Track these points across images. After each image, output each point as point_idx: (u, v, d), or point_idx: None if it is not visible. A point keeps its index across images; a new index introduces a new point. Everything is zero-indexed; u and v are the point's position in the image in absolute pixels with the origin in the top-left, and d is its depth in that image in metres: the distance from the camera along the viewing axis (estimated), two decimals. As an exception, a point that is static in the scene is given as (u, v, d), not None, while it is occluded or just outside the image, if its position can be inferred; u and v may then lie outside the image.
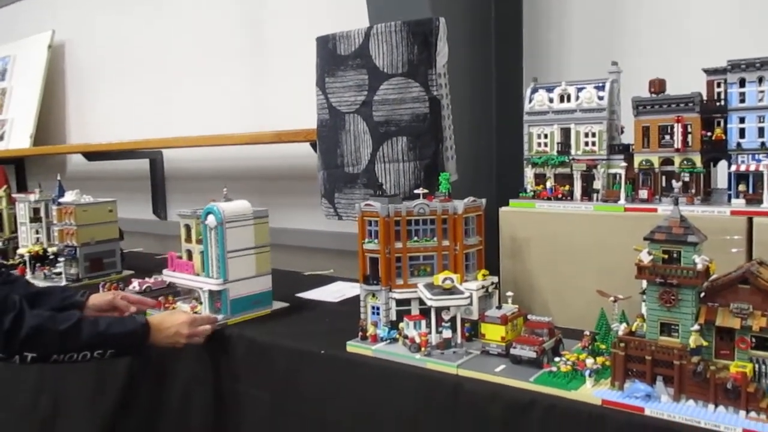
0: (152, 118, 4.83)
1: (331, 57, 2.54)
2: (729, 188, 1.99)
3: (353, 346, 2.03)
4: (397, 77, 2.39)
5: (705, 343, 1.55)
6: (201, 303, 2.40)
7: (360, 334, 2.07)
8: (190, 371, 2.35)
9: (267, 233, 2.46)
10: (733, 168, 1.97)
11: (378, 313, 2.10)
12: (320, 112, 2.61)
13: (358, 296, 2.17)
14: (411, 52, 2.37)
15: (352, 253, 2.77)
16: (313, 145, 3.18)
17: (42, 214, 3.51)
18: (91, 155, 4.68)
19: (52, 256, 3.30)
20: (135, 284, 2.90)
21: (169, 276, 2.54)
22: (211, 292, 2.35)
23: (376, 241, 2.07)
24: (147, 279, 2.98)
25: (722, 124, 2.01)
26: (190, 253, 2.48)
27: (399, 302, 2.09)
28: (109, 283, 3.04)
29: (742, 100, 1.95)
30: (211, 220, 2.32)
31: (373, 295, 2.11)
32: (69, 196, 3.33)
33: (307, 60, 2.90)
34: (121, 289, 2.88)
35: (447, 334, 1.94)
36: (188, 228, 2.49)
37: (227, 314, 2.33)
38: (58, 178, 3.52)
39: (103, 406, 2.58)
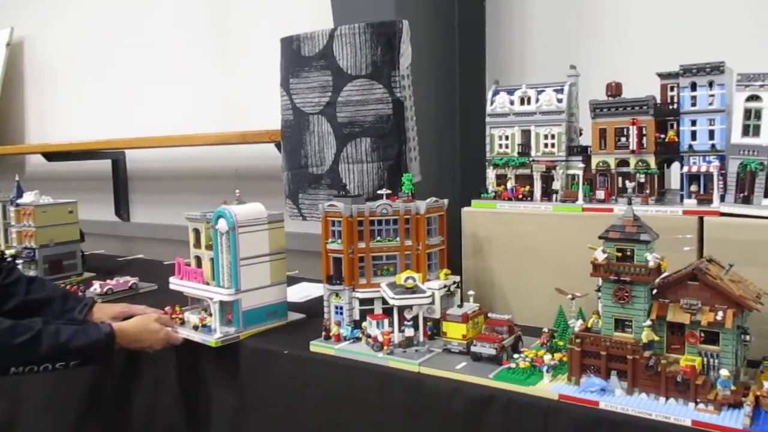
0: (114, 117, 4.75)
1: (296, 58, 2.54)
2: (681, 189, 2.05)
3: (317, 346, 2.04)
4: (361, 79, 2.40)
5: (657, 338, 1.60)
6: (210, 314, 2.23)
7: (323, 333, 2.08)
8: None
9: (282, 238, 2.30)
10: (686, 169, 2.03)
11: (341, 313, 2.11)
12: (284, 113, 2.61)
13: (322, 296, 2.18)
14: (375, 53, 2.39)
15: (317, 253, 2.79)
16: (278, 146, 3.18)
17: (-1, 215, 3.44)
18: (51, 155, 4.59)
19: (9, 258, 3.23)
20: (96, 286, 2.86)
21: (176, 284, 2.35)
22: (221, 303, 2.19)
23: (339, 241, 2.08)
24: (108, 281, 2.94)
25: (675, 126, 2.08)
26: (199, 260, 2.31)
27: (362, 301, 2.11)
28: (69, 285, 3.00)
29: (694, 104, 2.02)
30: (222, 224, 2.15)
31: (337, 295, 2.12)
32: (28, 197, 3.27)
33: (273, 60, 2.89)
34: (82, 292, 2.84)
35: (409, 332, 1.97)
36: (197, 232, 2.31)
37: (239, 327, 2.17)
38: (17, 178, 3.44)
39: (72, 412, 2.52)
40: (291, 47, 2.56)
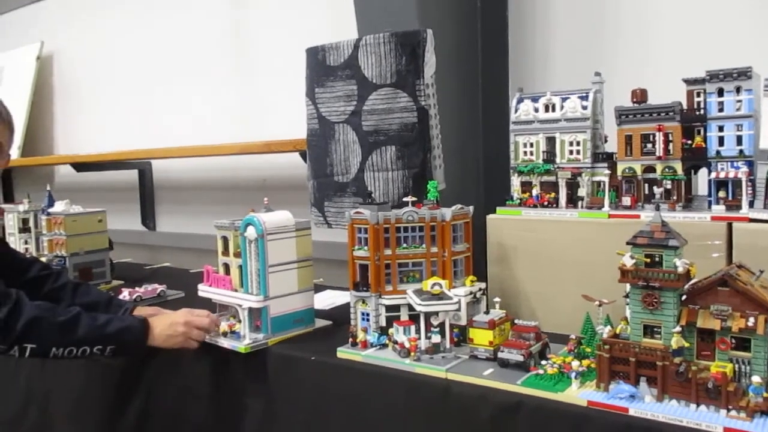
0: (141, 128, 4.85)
1: (321, 68, 2.58)
2: (709, 195, 2.04)
3: (344, 352, 2.06)
4: (386, 87, 2.43)
5: (687, 344, 1.59)
6: (239, 321, 2.26)
7: (350, 340, 2.10)
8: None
9: (310, 246, 2.32)
10: (713, 175, 2.02)
11: (368, 320, 2.13)
12: (310, 122, 2.65)
13: (347, 304, 2.19)
14: (399, 63, 2.42)
15: (341, 262, 2.81)
16: (302, 155, 3.22)
17: (31, 224, 3.52)
18: (80, 166, 4.68)
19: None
20: (125, 293, 2.91)
21: (205, 291, 2.38)
22: (250, 310, 2.22)
23: (365, 248, 2.10)
24: (137, 288, 2.99)
25: (702, 132, 2.07)
26: (227, 267, 2.35)
27: (388, 308, 2.12)
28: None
29: (721, 110, 2.01)
30: (251, 231, 2.19)
31: (363, 302, 2.13)
32: (59, 206, 3.34)
33: (295, 70, 2.93)
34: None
35: (436, 339, 1.98)
36: (225, 240, 2.35)
37: (267, 333, 2.20)
38: (48, 188, 3.52)
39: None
40: (316, 57, 2.60)
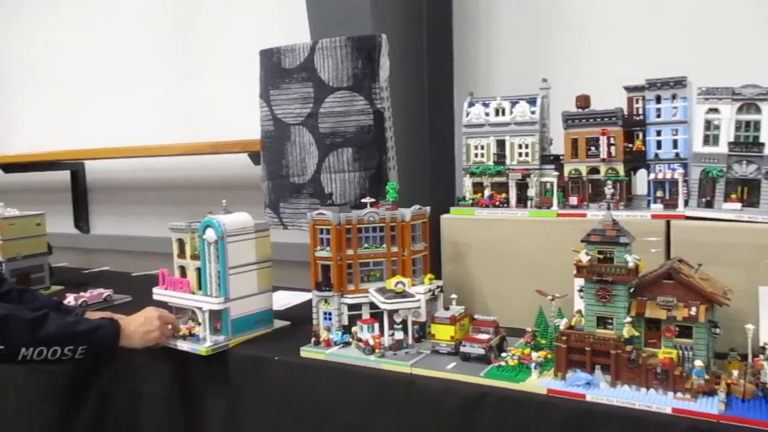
0: (73, 127, 4.68)
1: (276, 70, 2.59)
2: (648, 194, 2.20)
3: (307, 351, 2.09)
4: (343, 90, 2.48)
5: (636, 334, 1.72)
6: (199, 323, 2.25)
7: (313, 339, 2.13)
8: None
9: (268, 247, 2.34)
10: (652, 176, 2.18)
11: (330, 319, 2.17)
12: (264, 124, 2.66)
13: (302, 304, 2.22)
14: (356, 66, 2.47)
15: (292, 262, 2.84)
16: (251, 156, 3.22)
17: (-39, 228, 3.34)
18: (8, 166, 4.47)
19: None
20: (70, 299, 2.83)
21: (161, 294, 2.35)
22: (211, 312, 2.21)
23: (328, 248, 2.14)
24: (82, 293, 2.91)
25: (641, 136, 2.23)
26: (183, 270, 2.34)
27: (350, 307, 2.17)
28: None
29: (659, 115, 2.17)
30: (210, 234, 2.19)
31: (326, 301, 2.17)
32: (-7, 209, 3.19)
33: (244, 71, 2.93)
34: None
35: (399, 335, 2.04)
36: (181, 242, 2.33)
37: (228, 335, 2.20)
38: (-20, 191, 3.36)
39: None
40: (271, 59, 2.61)
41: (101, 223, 4.80)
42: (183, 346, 2.21)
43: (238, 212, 2.32)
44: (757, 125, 1.99)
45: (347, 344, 2.10)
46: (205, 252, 2.22)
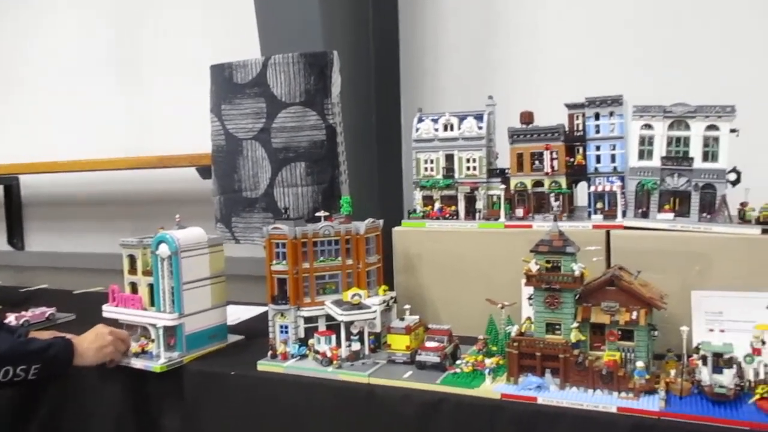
0: (7, 141, 4.51)
1: (228, 85, 2.60)
2: (589, 206, 2.32)
3: (264, 365, 2.10)
4: (295, 106, 2.51)
5: (583, 338, 1.82)
6: (152, 340, 2.21)
7: (270, 352, 2.15)
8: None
9: (222, 262, 2.34)
10: (592, 189, 2.30)
11: (286, 332, 2.19)
12: (216, 138, 2.66)
13: (254, 318, 2.22)
14: (308, 82, 2.51)
15: (241, 277, 2.84)
16: (200, 170, 3.21)
17: None
18: (-64, 181, 4.27)
19: None
20: (11, 318, 2.73)
21: (111, 312, 2.29)
22: (165, 328, 2.18)
23: (284, 262, 2.16)
24: (24, 312, 2.82)
25: (582, 151, 2.35)
26: (134, 286, 2.31)
27: (306, 320, 2.19)
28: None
29: (597, 131, 2.30)
30: (163, 249, 2.16)
31: (282, 314, 2.19)
32: (-76, 227, 3.05)
33: (190, 84, 2.92)
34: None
35: (356, 346, 2.08)
36: (132, 258, 2.31)
37: (182, 351, 2.18)
38: None
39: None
40: (222, 74, 2.62)
41: (37, 240, 4.64)
42: (136, 363, 2.19)
43: (192, 227, 2.31)
44: (686, 141, 2.14)
45: (304, 356, 2.12)
46: (158, 267, 2.20)
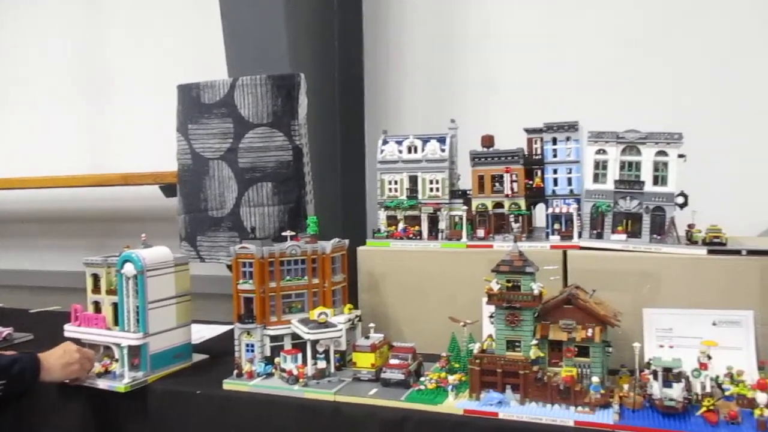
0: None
1: (195, 105, 2.62)
2: (547, 227, 2.41)
3: (230, 384, 2.12)
4: (263, 127, 2.55)
5: (542, 354, 1.89)
6: (116, 360, 2.20)
7: (236, 371, 2.16)
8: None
9: (187, 281, 2.34)
10: (550, 210, 2.40)
11: (253, 350, 2.20)
12: (182, 158, 2.67)
13: (218, 337, 2.23)
14: (276, 103, 2.55)
15: (204, 295, 2.84)
16: (164, 188, 3.21)
17: None
18: None
19: None
20: (-30, 338, 2.68)
21: (73, 332, 2.27)
22: (129, 348, 2.16)
23: (251, 281, 2.19)
24: (-18, 332, 2.76)
25: (540, 174, 2.45)
26: (97, 305, 2.30)
27: (272, 338, 2.22)
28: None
29: (555, 155, 2.41)
30: (129, 268, 2.16)
31: (248, 333, 2.21)
32: None
33: (155, 103, 2.92)
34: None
35: (322, 364, 2.11)
36: (96, 277, 2.30)
37: (147, 371, 2.18)
38: None
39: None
40: (190, 94, 2.64)
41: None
42: (100, 383, 2.17)
43: (158, 246, 2.32)
44: (638, 165, 2.26)
45: (270, 375, 2.15)
46: (123, 287, 2.20)
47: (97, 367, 2.23)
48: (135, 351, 2.21)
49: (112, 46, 3.98)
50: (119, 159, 3.74)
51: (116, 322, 2.26)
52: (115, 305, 2.26)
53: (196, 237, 2.67)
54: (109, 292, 2.29)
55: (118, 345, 2.20)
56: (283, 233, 2.33)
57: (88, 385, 2.18)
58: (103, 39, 4.00)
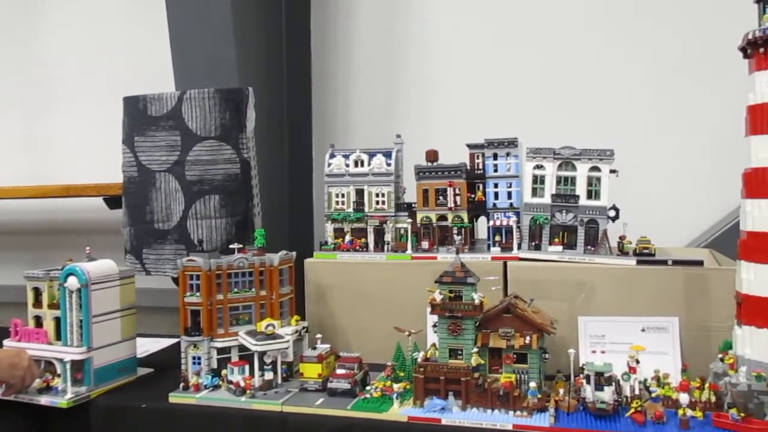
0: None
1: (142, 117, 2.62)
2: (488, 239, 2.50)
3: (176, 397, 2.11)
4: (210, 140, 2.56)
5: (482, 362, 1.97)
6: (58, 375, 2.16)
7: (182, 384, 2.16)
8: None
9: (133, 294, 2.33)
10: (491, 223, 2.49)
11: (199, 363, 2.21)
12: (128, 170, 2.65)
13: (163, 350, 2.22)
14: (224, 117, 2.57)
15: (148, 308, 2.82)
16: (107, 200, 3.17)
17: None
18: None
19: None
20: None
21: (14, 347, 2.21)
22: (72, 363, 2.12)
23: (198, 294, 2.20)
24: None
25: (482, 188, 2.54)
26: (39, 320, 2.25)
27: (219, 350, 2.23)
28: None
29: (496, 170, 2.51)
30: (72, 282, 2.13)
31: (195, 346, 2.22)
32: None
33: (97, 114, 2.90)
34: None
35: (269, 375, 2.14)
36: (37, 291, 2.26)
37: (90, 385, 2.14)
38: None
39: None
40: (136, 106, 2.63)
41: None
42: (41, 399, 2.13)
43: (102, 259, 2.30)
44: (573, 180, 2.37)
45: (217, 387, 2.15)
46: (66, 300, 2.18)
47: (38, 383, 2.18)
48: (78, 365, 2.18)
49: (54, 54, 3.90)
50: (61, 170, 3.66)
51: (58, 337, 2.22)
52: (57, 319, 2.23)
53: (142, 250, 2.65)
54: (52, 306, 2.25)
55: (60, 360, 2.17)
56: (231, 246, 2.34)
57: (29, 401, 2.14)
58: (44, 46, 3.92)
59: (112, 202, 3.16)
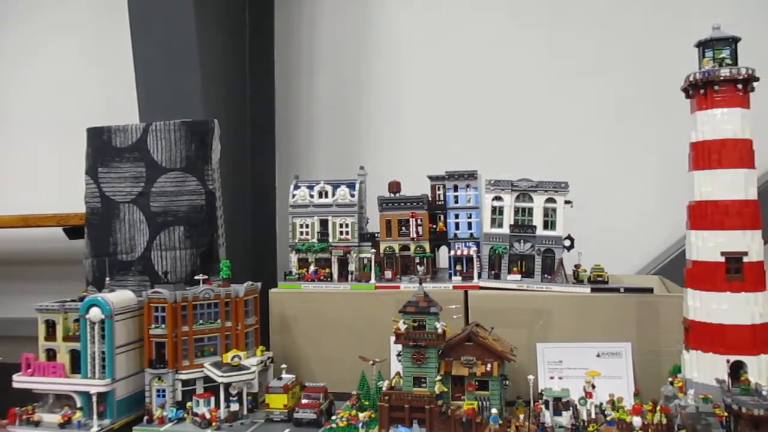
0: None
1: (106, 148, 2.62)
2: (450, 268, 2.57)
3: (141, 430, 2.10)
4: (176, 171, 2.58)
5: (445, 389, 2.02)
6: (80, 409, 2.12)
7: (146, 417, 2.15)
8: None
9: (143, 325, 2.27)
10: (452, 252, 2.57)
11: (163, 396, 2.20)
12: (91, 201, 2.64)
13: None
14: (189, 149, 2.59)
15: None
16: (67, 231, 3.14)
17: None
18: None
19: None
20: None
21: (25, 382, 2.16)
22: (98, 395, 2.09)
23: (163, 326, 2.20)
24: None
25: (443, 218, 2.62)
26: (51, 353, 2.21)
27: (184, 383, 2.23)
28: None
29: (456, 201, 2.59)
30: (95, 313, 2.11)
31: (159, 378, 2.21)
32: None
33: (57, 143, 2.86)
34: None
35: (235, 407, 2.15)
36: (50, 324, 2.23)
37: (113, 418, 2.10)
38: None
39: None
40: (101, 138, 2.63)
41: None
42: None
43: (121, 290, 2.33)
44: (530, 211, 2.47)
45: (182, 420, 2.15)
46: (86, 332, 2.15)
47: (57, 418, 2.14)
48: (101, 398, 2.15)
49: (14, 83, 3.87)
50: (17, 199, 3.60)
51: (73, 370, 2.20)
52: (72, 352, 2.20)
53: (105, 281, 2.63)
54: (66, 338, 2.22)
55: (83, 393, 2.14)
56: (196, 277, 2.36)
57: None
58: (3, 75, 3.88)
59: (72, 232, 3.13)
